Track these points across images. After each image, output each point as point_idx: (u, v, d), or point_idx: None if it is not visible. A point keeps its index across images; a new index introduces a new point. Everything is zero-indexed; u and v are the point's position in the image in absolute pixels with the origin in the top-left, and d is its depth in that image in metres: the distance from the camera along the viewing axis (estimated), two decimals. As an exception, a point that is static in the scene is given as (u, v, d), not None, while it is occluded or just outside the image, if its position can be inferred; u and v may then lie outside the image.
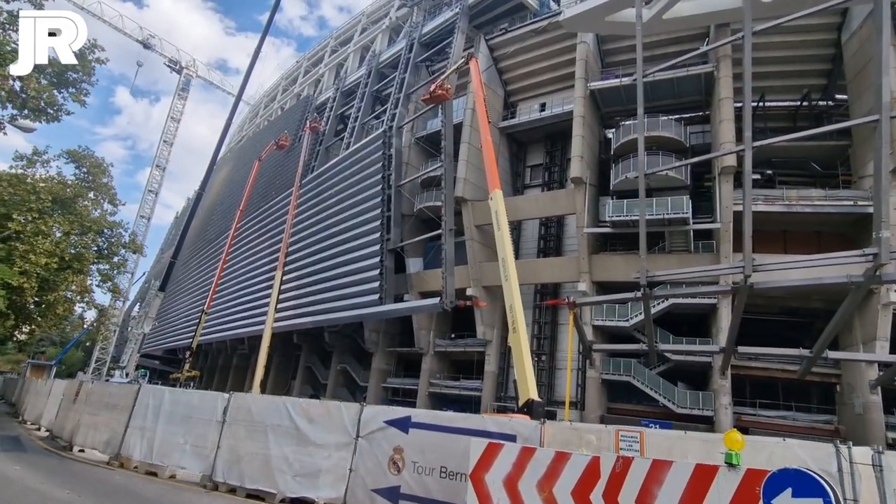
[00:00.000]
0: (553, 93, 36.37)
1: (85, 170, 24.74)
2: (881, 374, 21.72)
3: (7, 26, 14.39)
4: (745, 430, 24.69)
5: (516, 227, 35.34)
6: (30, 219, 21.30)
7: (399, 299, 35.63)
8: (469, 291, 32.57)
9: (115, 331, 55.08)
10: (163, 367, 70.79)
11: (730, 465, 5.29)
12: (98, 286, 26.85)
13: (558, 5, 37.80)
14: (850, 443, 6.74)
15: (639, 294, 21.04)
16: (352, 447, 8.61)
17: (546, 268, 32.67)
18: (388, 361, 39.27)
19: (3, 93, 14.09)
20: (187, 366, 41.74)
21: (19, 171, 23.11)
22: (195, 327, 44.24)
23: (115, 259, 26.58)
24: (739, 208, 26.06)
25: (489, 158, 21.92)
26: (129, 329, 65.78)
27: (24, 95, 15.37)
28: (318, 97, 56.20)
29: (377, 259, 34.82)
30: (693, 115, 31.44)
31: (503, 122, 36.74)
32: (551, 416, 24.51)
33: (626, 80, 29.69)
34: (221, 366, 60.64)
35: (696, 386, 27.39)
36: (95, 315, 40.71)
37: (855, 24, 26.40)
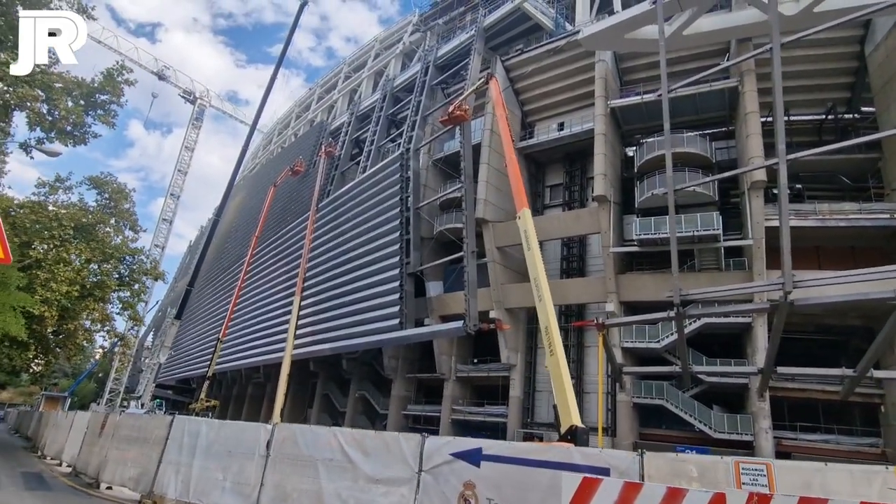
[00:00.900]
0: (570, 112, 36.13)
1: (107, 196, 24.54)
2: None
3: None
4: (786, 455, 23.70)
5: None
6: (51, 246, 20.99)
7: (419, 324, 34.93)
8: (492, 314, 31.86)
9: (129, 361, 54.56)
10: (176, 396, 70.03)
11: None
12: (118, 314, 26.45)
13: (573, 26, 37.89)
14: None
15: (672, 314, 20.30)
16: (414, 483, 7.82)
17: (572, 288, 31.94)
18: (407, 388, 38.36)
19: (31, 114, 13.86)
20: (202, 395, 40.98)
21: (41, 198, 22.94)
22: (210, 356, 43.61)
23: (136, 286, 26.21)
24: (771, 224, 25.61)
25: (515, 176, 21.45)
26: (143, 359, 65.27)
27: (50, 118, 15.15)
28: (332, 122, 56.43)
29: (397, 283, 34.23)
30: (716, 130, 30.98)
31: (521, 142, 36.45)
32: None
33: (648, 97, 29.41)
34: (236, 395, 59.76)
35: (731, 409, 26.36)
36: (108, 345, 40.30)
37: (879, 35, 26.07)
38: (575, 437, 14.51)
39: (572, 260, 34.59)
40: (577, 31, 31.81)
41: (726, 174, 24.42)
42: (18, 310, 17.45)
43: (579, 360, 31.68)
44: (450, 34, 44.48)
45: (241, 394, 58.77)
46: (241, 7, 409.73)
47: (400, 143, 39.40)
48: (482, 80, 29.03)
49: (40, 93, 14.88)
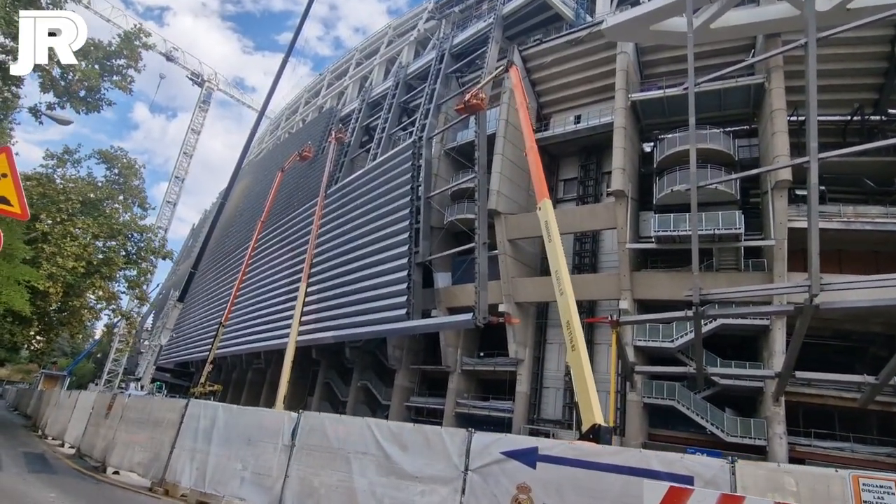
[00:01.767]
0: (587, 105, 35.47)
1: (116, 171, 23.85)
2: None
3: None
4: (800, 462, 23.21)
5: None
6: (58, 220, 20.35)
7: (426, 315, 34.37)
8: (501, 308, 31.31)
9: (133, 342, 54.07)
10: (174, 380, 69.59)
11: None
12: (125, 293, 25.79)
13: (592, 17, 37.15)
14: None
15: (690, 313, 19.75)
16: (458, 482, 7.22)
17: (584, 285, 31.29)
18: (411, 379, 37.89)
19: (44, 75, 13.17)
20: (203, 379, 40.40)
21: (48, 170, 22.25)
22: (210, 340, 43.00)
23: (144, 265, 25.56)
24: (794, 225, 25.04)
25: (536, 164, 20.67)
26: (143, 341, 64.76)
27: (64, 83, 14.47)
28: (342, 109, 55.60)
29: (405, 273, 33.63)
30: (738, 128, 30.32)
31: (536, 134, 35.76)
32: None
33: (671, 91, 28.71)
34: (236, 380, 59.29)
35: (743, 412, 25.87)
36: (113, 323, 39.74)
37: (911, 36, 25.44)
38: (598, 435, 13.99)
39: (584, 255, 33.99)
40: (601, 22, 31.07)
41: (751, 172, 23.80)
42: (23, 284, 16.86)
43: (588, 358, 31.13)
44: (465, 22, 43.70)
45: (240, 379, 58.31)
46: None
47: (411, 132, 38.69)
48: (501, 68, 28.33)
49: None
